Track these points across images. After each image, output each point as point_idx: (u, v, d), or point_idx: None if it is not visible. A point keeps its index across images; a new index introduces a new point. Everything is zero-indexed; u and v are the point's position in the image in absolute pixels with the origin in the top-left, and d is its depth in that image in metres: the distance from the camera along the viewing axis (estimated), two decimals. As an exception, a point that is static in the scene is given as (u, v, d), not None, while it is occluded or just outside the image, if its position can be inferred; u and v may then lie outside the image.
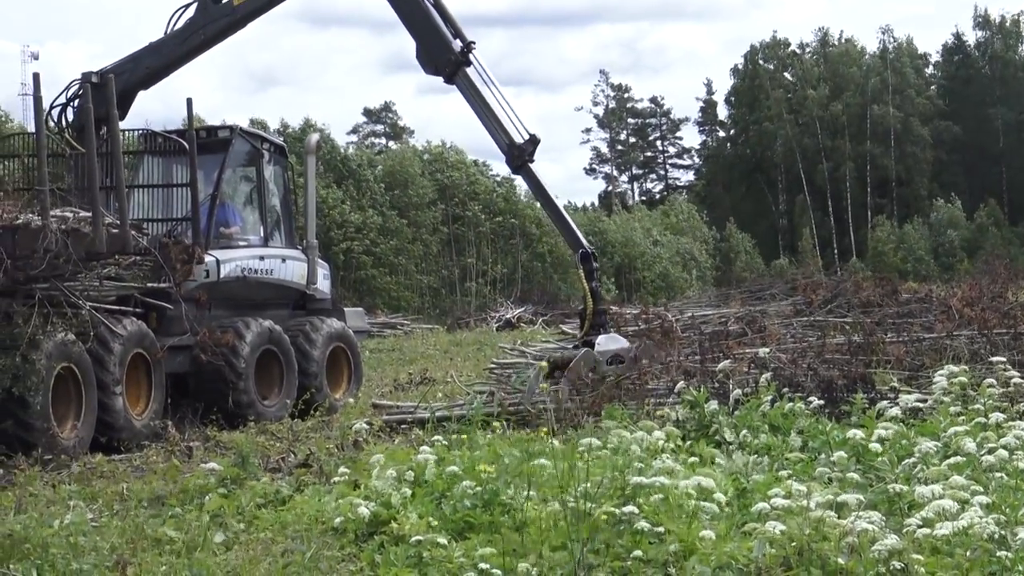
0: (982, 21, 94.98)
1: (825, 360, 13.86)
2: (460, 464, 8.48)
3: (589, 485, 6.90)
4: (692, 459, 8.29)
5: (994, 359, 11.28)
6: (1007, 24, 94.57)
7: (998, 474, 7.16)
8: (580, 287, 17.74)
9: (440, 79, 18.41)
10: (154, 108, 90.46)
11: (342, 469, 9.57)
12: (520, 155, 17.98)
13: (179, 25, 19.11)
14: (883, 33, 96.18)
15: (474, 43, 18.24)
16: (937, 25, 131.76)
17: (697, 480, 6.83)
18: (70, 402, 14.10)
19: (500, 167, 66.40)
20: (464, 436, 10.07)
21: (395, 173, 59.41)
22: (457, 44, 18.19)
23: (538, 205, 65.70)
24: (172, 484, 10.66)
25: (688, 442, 9.48)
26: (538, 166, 18.33)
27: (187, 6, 19.13)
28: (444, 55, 18.16)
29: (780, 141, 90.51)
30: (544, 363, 15.62)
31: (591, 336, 16.90)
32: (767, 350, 13.08)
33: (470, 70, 18.19)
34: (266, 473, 11.32)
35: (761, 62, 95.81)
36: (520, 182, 65.21)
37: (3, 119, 44.20)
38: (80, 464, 13.19)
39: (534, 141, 18.04)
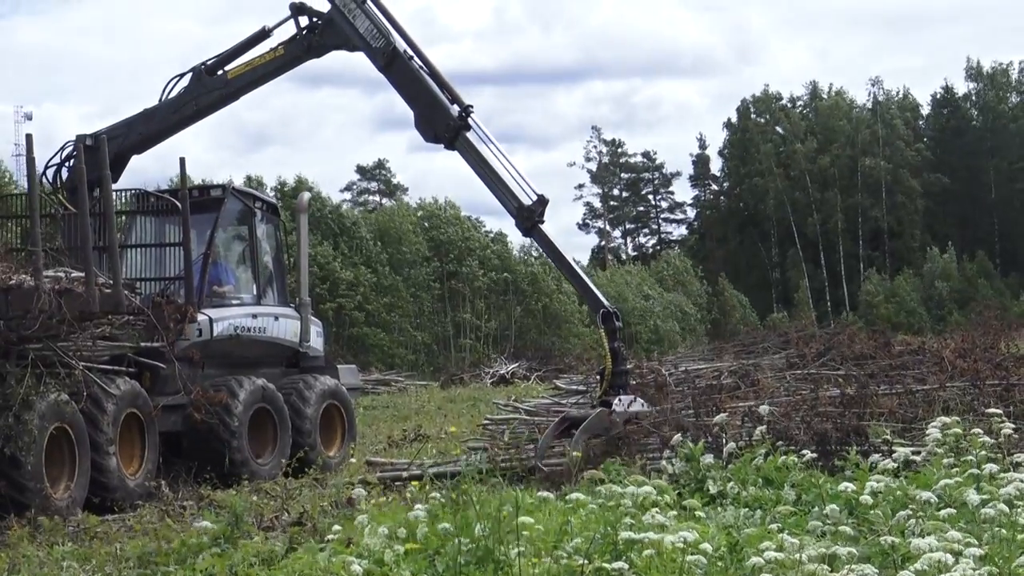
0: (974, 72, 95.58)
1: (819, 413, 13.85)
2: (453, 521, 8.46)
3: (581, 540, 6.89)
4: (682, 512, 8.27)
5: (988, 410, 11.28)
6: (998, 74, 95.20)
7: (995, 527, 7.15)
8: (601, 347, 17.52)
9: (440, 146, 18.39)
10: (148, 166, 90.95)
11: (335, 527, 9.54)
12: (530, 217, 17.77)
13: (173, 94, 19.25)
14: (873, 85, 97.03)
15: (472, 107, 18.15)
16: (928, 78, 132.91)
17: (682, 534, 6.82)
18: (63, 462, 14.07)
19: (493, 223, 66.69)
20: (456, 493, 10.03)
21: (387, 230, 59.52)
22: (455, 109, 18.17)
23: (535, 256, 66.24)
24: (166, 544, 10.62)
25: (681, 496, 9.46)
26: (548, 226, 18.17)
27: (182, 75, 19.30)
28: (443, 122, 18.09)
29: (771, 195, 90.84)
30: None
31: (609, 396, 16.68)
32: (767, 408, 13.03)
33: (470, 134, 18.10)
34: (259, 532, 11.28)
35: (753, 116, 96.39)
36: (513, 238, 65.81)
37: (11, 179, 44.27)
38: (73, 524, 13.14)
39: (543, 201, 17.81)
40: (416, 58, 18.41)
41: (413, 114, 18.47)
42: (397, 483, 14.92)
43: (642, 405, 16.74)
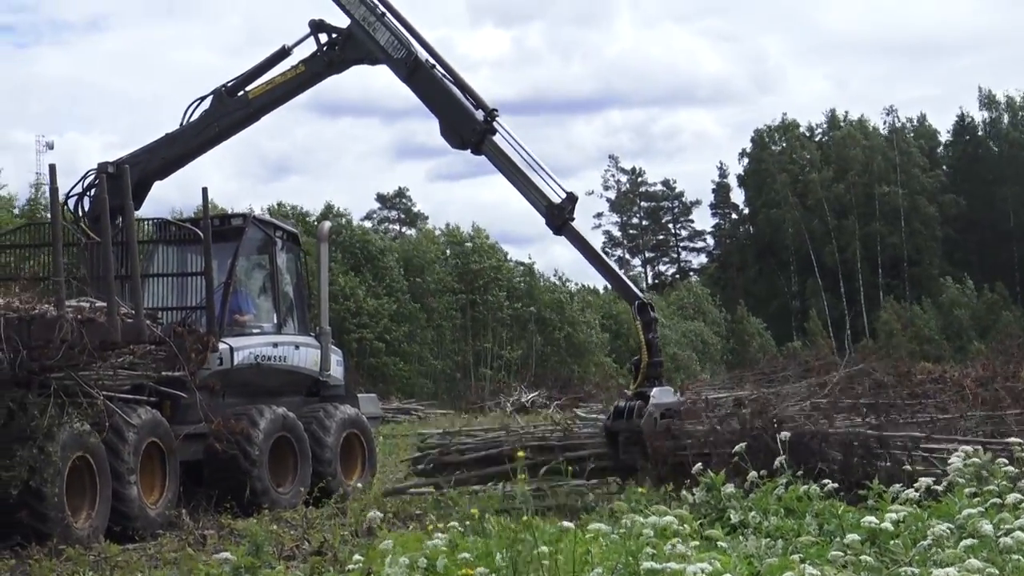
0: (987, 101, 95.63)
1: (840, 442, 13.80)
2: (473, 551, 8.46)
3: (602, 570, 6.88)
4: (703, 542, 8.25)
5: (1010, 439, 11.24)
6: (1017, 103, 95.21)
7: (1015, 556, 7.13)
8: (637, 338, 17.52)
9: (467, 152, 18.41)
10: (171, 195, 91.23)
11: (356, 556, 9.53)
12: (560, 214, 17.79)
13: (195, 117, 19.29)
14: (888, 114, 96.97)
15: (496, 111, 18.21)
16: (946, 106, 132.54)
17: (704, 564, 6.81)
18: (84, 492, 14.09)
19: (517, 253, 66.68)
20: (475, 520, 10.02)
21: (412, 259, 59.60)
22: (480, 114, 18.22)
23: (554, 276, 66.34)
24: (186, 573, 10.63)
25: (703, 526, 9.43)
26: (579, 223, 18.20)
27: (203, 98, 19.31)
28: (468, 127, 18.13)
29: (789, 223, 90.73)
30: None
31: (644, 388, 16.67)
32: (786, 434, 13.00)
33: (496, 137, 18.14)
34: (280, 561, 11.28)
35: (771, 146, 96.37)
36: (540, 266, 65.93)
37: (39, 207, 44.57)
38: (95, 554, 13.16)
39: (572, 199, 17.85)
40: (438, 66, 18.48)
41: (439, 122, 18.52)
42: (417, 512, 14.92)
43: (676, 396, 16.78)
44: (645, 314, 17.21)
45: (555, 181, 17.98)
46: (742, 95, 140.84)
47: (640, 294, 17.77)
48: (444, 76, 18.43)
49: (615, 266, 19.25)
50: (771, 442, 12.65)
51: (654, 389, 16.46)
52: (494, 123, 18.11)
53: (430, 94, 18.49)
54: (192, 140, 19.41)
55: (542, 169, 18.12)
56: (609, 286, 19.55)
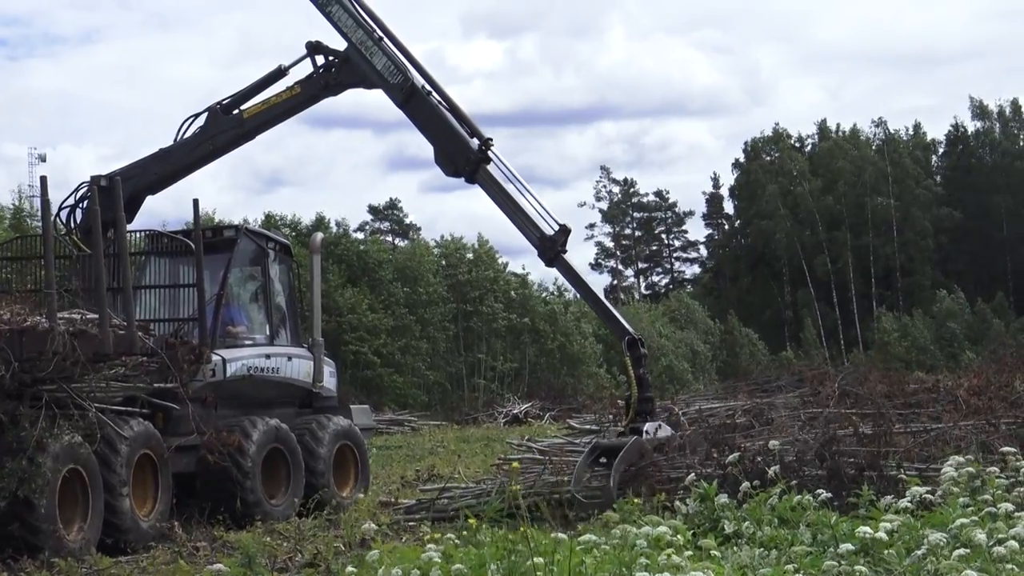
0: (979, 112, 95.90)
1: (833, 452, 13.80)
2: (467, 562, 8.43)
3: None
4: (697, 552, 8.24)
5: (1004, 448, 11.24)
6: (1007, 113, 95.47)
7: (1008, 565, 7.12)
8: (627, 374, 17.54)
9: (461, 179, 18.42)
10: (164, 207, 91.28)
11: (349, 569, 9.51)
12: (552, 247, 17.81)
13: (189, 134, 19.29)
14: (877, 126, 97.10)
15: (491, 140, 18.20)
16: (941, 116, 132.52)
17: (698, 575, 6.80)
18: (76, 504, 14.06)
19: (511, 264, 66.60)
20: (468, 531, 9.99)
21: (406, 269, 59.56)
22: (474, 143, 18.21)
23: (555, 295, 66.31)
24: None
25: (696, 536, 9.42)
26: (571, 256, 18.20)
27: (198, 115, 19.32)
28: (463, 156, 18.13)
29: (780, 235, 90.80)
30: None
31: (637, 423, 16.66)
32: (776, 443, 13.01)
33: (491, 167, 18.14)
34: (273, 573, 11.27)
35: (765, 157, 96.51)
36: (534, 275, 65.92)
37: (22, 214, 44.57)
38: (87, 566, 13.13)
39: (565, 231, 17.87)
40: (434, 93, 18.46)
41: (433, 149, 18.51)
42: (411, 523, 14.89)
43: (668, 431, 16.79)
44: (635, 350, 17.23)
45: (548, 212, 18.00)
46: (735, 106, 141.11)
47: (630, 330, 17.73)
48: (440, 103, 18.42)
49: (606, 301, 19.25)
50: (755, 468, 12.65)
51: (647, 424, 16.49)
52: (488, 152, 18.10)
53: (425, 121, 18.48)
54: (185, 157, 19.41)
55: (536, 199, 18.14)
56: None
